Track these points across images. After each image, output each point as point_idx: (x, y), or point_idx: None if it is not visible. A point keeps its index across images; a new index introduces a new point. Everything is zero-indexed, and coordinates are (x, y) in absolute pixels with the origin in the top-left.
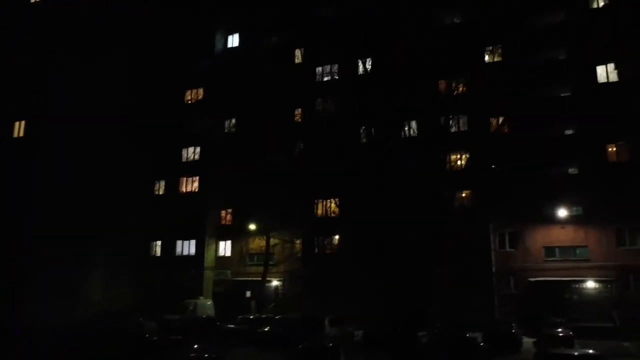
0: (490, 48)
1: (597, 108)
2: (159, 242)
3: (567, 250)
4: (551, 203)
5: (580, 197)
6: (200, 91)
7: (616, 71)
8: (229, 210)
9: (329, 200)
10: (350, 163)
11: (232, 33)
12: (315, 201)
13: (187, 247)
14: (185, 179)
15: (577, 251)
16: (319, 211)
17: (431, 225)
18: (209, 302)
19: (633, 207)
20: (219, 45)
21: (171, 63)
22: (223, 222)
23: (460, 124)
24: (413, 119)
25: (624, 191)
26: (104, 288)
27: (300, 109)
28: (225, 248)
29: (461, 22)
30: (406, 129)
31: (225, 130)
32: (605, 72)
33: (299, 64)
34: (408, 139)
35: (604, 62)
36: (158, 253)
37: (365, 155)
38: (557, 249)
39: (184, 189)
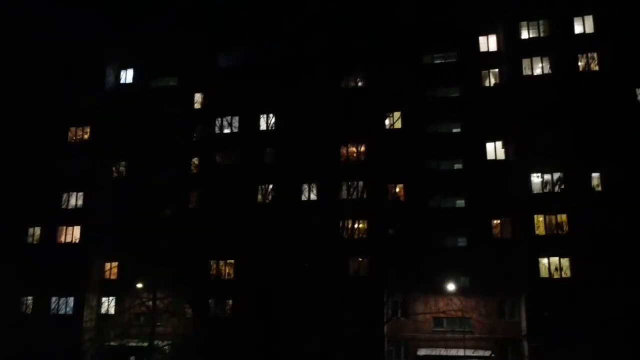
0: (391, 114)
1: (485, 183)
2: (30, 298)
3: (454, 321)
4: (441, 273)
5: (468, 269)
6: (87, 130)
7: (503, 149)
8: (114, 264)
9: (224, 261)
10: (247, 223)
11: (125, 67)
12: (210, 261)
13: (64, 305)
14: (64, 227)
15: (463, 322)
16: (213, 272)
17: (326, 292)
18: None
19: (512, 280)
20: (110, 80)
21: (52, 95)
22: (107, 276)
23: (359, 191)
24: (313, 183)
25: (505, 265)
26: None
27: (197, 159)
28: (108, 306)
29: (362, 87)
30: (306, 192)
31: (114, 175)
32: (493, 149)
33: (198, 109)
34: (308, 203)
35: (493, 140)
36: (29, 311)
37: (263, 217)
38: (445, 320)
39: (62, 239)
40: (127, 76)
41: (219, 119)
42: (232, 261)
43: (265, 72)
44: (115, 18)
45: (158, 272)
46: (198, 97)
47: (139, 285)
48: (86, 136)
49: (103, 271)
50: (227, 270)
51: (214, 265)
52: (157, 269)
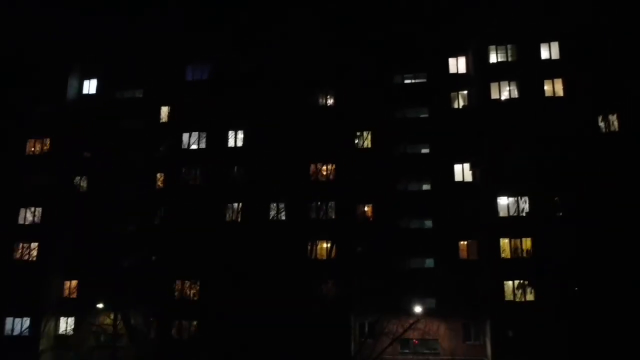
0: (360, 134)
1: (453, 205)
2: None
3: (421, 343)
4: (408, 294)
5: (434, 291)
6: (47, 142)
7: (471, 172)
8: (74, 282)
9: (189, 282)
10: (213, 242)
11: (89, 77)
12: (175, 281)
13: (20, 325)
14: (21, 244)
15: (429, 344)
16: (178, 292)
17: (293, 314)
18: None
19: (478, 302)
20: (72, 90)
21: (10, 104)
22: (66, 294)
23: (327, 210)
24: (281, 202)
25: (471, 287)
26: None
27: (162, 175)
28: (67, 325)
29: (333, 105)
30: (274, 211)
31: (76, 190)
32: (461, 171)
33: (164, 123)
34: (276, 222)
35: (461, 161)
36: None
37: (230, 236)
38: (411, 341)
39: (19, 256)
40: (90, 86)
41: (187, 134)
42: (198, 281)
43: (234, 87)
44: (79, 23)
45: (120, 292)
46: (164, 110)
47: (100, 306)
48: (46, 148)
49: (62, 290)
50: (192, 291)
51: (179, 286)
52: (119, 288)
